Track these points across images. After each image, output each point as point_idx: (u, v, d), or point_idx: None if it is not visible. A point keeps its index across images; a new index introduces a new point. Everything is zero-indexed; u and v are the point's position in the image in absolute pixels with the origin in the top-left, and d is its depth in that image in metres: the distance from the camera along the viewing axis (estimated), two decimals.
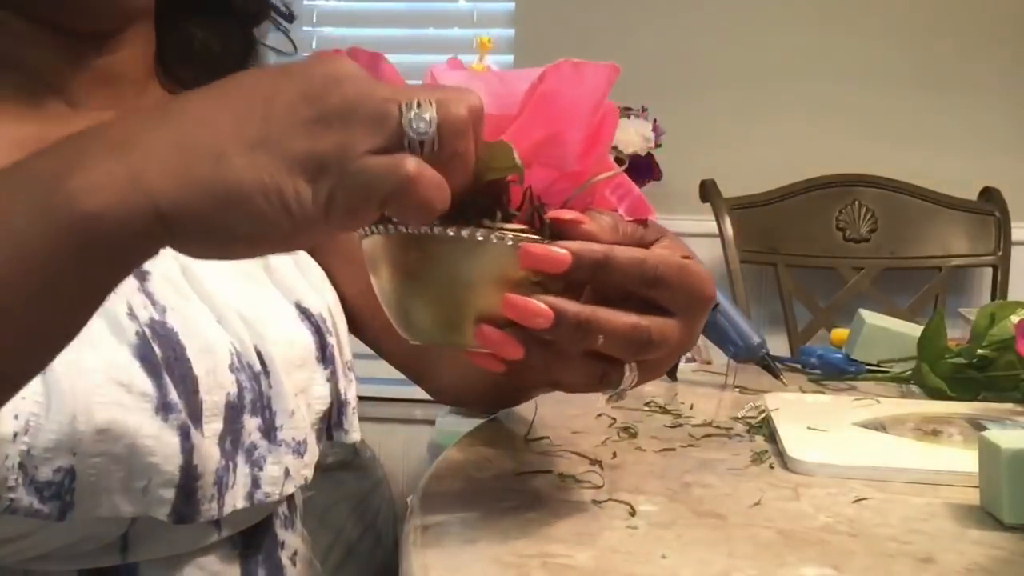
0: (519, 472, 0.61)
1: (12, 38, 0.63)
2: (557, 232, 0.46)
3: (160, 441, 0.55)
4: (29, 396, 0.52)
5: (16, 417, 0.51)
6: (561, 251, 0.45)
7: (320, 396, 0.66)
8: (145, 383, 0.55)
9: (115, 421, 0.53)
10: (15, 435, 0.51)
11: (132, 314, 0.57)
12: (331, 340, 0.67)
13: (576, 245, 0.45)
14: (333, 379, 0.67)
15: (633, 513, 0.54)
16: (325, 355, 0.66)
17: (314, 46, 2.09)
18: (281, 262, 0.67)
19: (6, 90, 0.63)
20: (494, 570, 0.47)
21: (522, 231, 0.46)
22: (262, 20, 0.76)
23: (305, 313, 0.66)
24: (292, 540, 0.68)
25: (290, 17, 0.77)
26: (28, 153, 0.42)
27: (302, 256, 0.70)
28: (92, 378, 0.53)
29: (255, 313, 0.63)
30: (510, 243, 0.45)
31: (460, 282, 0.45)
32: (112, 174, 0.37)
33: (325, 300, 0.69)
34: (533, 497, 0.57)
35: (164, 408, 0.55)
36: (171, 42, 0.72)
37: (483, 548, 0.49)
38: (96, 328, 0.55)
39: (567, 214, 0.46)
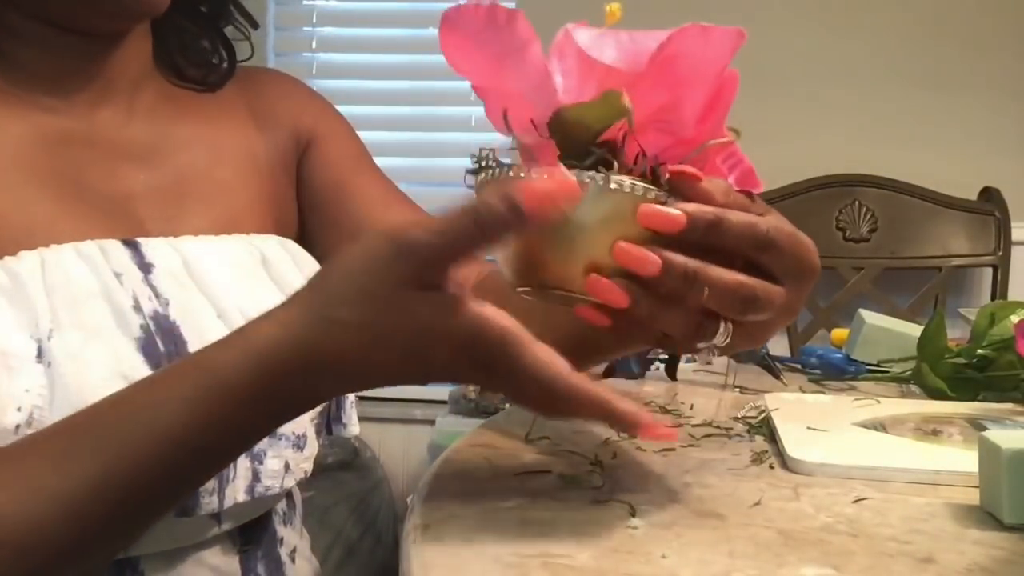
0: (519, 472, 0.61)
1: (14, 35, 0.63)
2: (674, 189, 0.47)
3: None
4: (33, 388, 0.52)
5: (19, 409, 0.52)
6: (676, 212, 0.46)
7: None
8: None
9: None
10: (17, 427, 0.52)
11: (137, 306, 0.58)
12: None
13: (691, 207, 0.47)
14: None
15: (633, 513, 0.54)
16: None
17: (314, 46, 2.09)
18: (278, 258, 0.68)
19: (6, 85, 0.63)
20: (494, 570, 0.47)
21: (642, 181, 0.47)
22: (225, 22, 0.76)
23: None
24: (291, 537, 0.68)
25: (253, 24, 0.78)
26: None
27: (301, 253, 0.70)
28: (96, 371, 0.54)
29: (255, 308, 0.63)
30: (628, 190, 0.46)
31: (577, 226, 0.46)
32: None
33: None
34: (533, 497, 0.57)
35: None
36: (165, 33, 0.73)
37: (483, 548, 0.49)
38: (102, 319, 0.56)
39: (687, 169, 0.48)
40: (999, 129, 1.89)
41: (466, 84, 0.54)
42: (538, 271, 0.48)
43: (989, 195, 1.83)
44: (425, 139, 2.07)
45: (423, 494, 0.58)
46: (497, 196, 0.43)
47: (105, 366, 0.55)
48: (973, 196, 1.84)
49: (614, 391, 0.46)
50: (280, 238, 0.70)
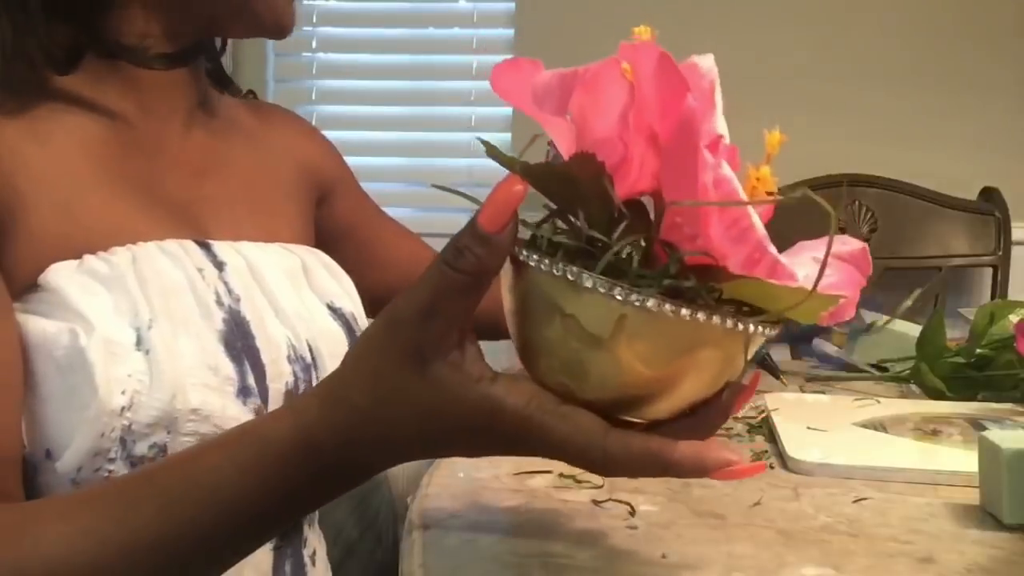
0: (519, 472, 0.61)
1: (122, 35, 0.65)
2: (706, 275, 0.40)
3: (240, 423, 0.57)
4: (134, 374, 0.56)
5: (123, 392, 0.55)
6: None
7: None
8: (228, 367, 0.59)
9: (206, 402, 0.57)
10: (122, 409, 0.55)
11: (219, 301, 0.61)
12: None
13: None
14: None
15: (633, 513, 0.54)
16: None
17: (314, 46, 2.09)
18: (314, 266, 0.71)
19: (83, 88, 0.64)
20: (494, 570, 0.47)
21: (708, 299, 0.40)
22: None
23: (336, 312, 0.69)
24: (312, 539, 0.69)
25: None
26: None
27: (331, 262, 0.74)
28: (186, 361, 0.57)
29: (306, 312, 0.67)
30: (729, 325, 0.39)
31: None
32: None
33: (354, 302, 0.72)
34: (533, 497, 0.57)
35: (243, 392, 0.59)
36: None
37: (483, 548, 0.49)
38: (188, 312, 0.59)
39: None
40: (999, 129, 1.89)
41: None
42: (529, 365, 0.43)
43: (989, 195, 1.82)
44: (425, 139, 2.07)
45: (423, 494, 0.58)
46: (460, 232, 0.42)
47: (194, 356, 0.58)
48: (973, 196, 1.84)
49: (662, 440, 0.41)
50: (311, 248, 0.74)
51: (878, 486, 0.59)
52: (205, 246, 0.64)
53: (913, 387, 0.89)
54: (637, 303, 0.38)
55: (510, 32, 2.00)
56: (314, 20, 2.09)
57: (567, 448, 0.42)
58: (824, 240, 0.41)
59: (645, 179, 0.42)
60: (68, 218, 0.60)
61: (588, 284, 0.38)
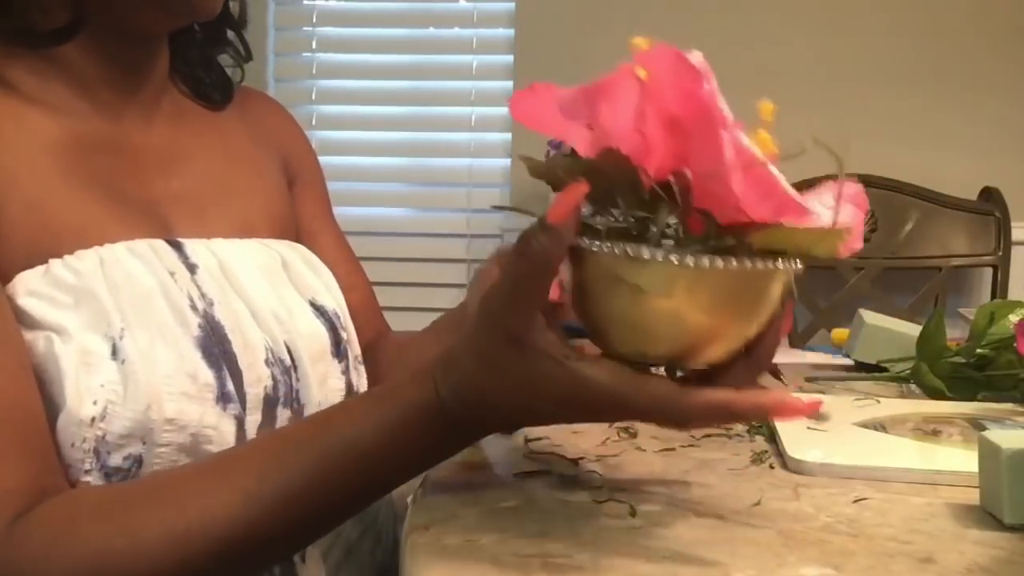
0: (519, 472, 0.61)
1: (74, 44, 0.64)
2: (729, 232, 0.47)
3: (219, 431, 0.58)
4: (107, 384, 0.55)
5: (95, 403, 0.54)
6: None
7: (336, 388, 0.69)
8: (207, 374, 0.59)
9: (183, 411, 0.57)
10: (92, 420, 0.54)
11: (193, 306, 0.60)
12: (344, 335, 0.70)
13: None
14: (347, 372, 0.70)
15: (633, 513, 0.54)
16: (339, 349, 0.69)
17: (314, 46, 2.09)
18: (296, 262, 0.70)
19: (38, 89, 0.64)
20: (494, 570, 0.47)
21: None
22: (220, 49, 0.79)
23: (319, 310, 0.69)
24: None
25: (247, 56, 0.80)
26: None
27: (311, 256, 0.72)
28: (163, 369, 0.57)
29: (282, 309, 0.66)
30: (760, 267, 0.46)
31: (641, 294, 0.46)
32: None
33: (336, 299, 0.71)
34: (533, 497, 0.57)
35: (223, 398, 0.59)
36: (186, 48, 0.75)
37: (483, 548, 0.49)
38: (164, 318, 0.59)
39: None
40: (999, 129, 1.89)
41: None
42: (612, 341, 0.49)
43: (989, 195, 1.82)
44: (425, 139, 2.07)
45: (423, 494, 0.58)
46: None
47: (171, 364, 0.57)
48: (973, 196, 1.84)
49: (727, 392, 0.47)
50: (290, 242, 0.73)
51: (878, 486, 0.59)
52: (176, 245, 0.63)
53: (913, 387, 0.89)
54: (692, 264, 0.45)
55: (510, 32, 2.00)
56: (314, 20, 2.09)
57: (650, 414, 0.48)
58: (824, 186, 0.51)
59: (669, 161, 0.47)
60: (38, 218, 0.59)
61: (646, 256, 0.45)
